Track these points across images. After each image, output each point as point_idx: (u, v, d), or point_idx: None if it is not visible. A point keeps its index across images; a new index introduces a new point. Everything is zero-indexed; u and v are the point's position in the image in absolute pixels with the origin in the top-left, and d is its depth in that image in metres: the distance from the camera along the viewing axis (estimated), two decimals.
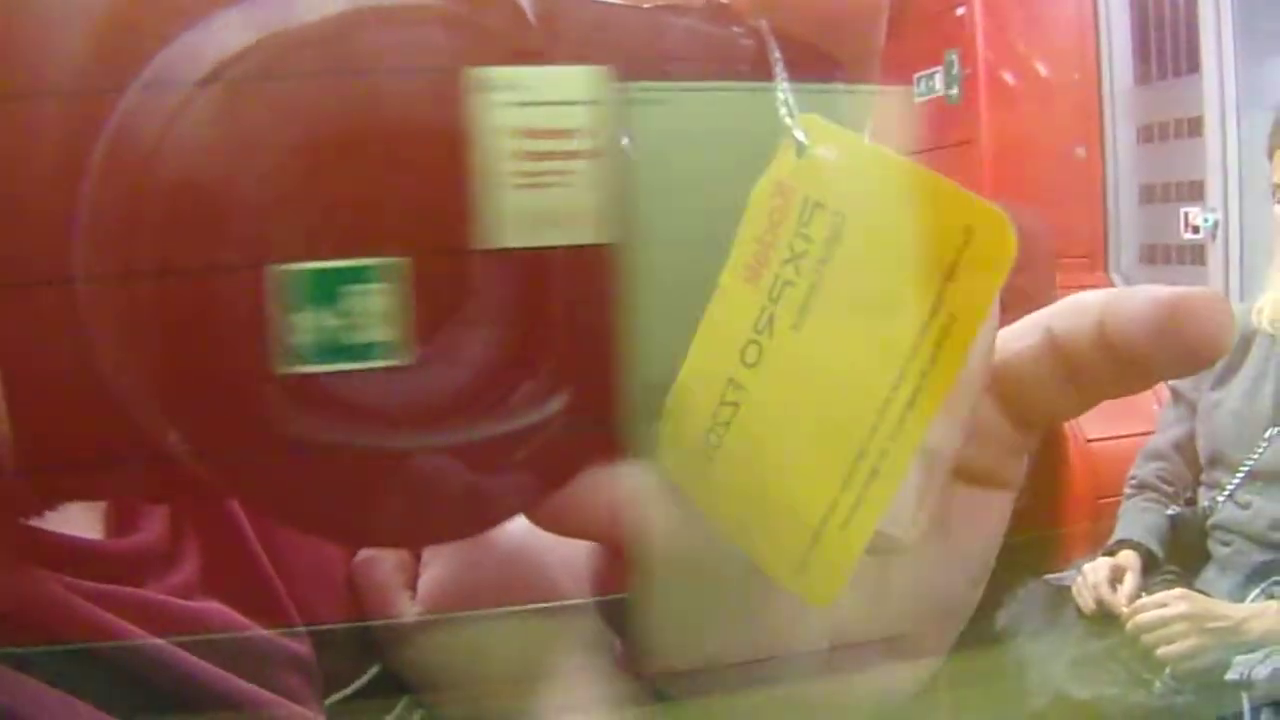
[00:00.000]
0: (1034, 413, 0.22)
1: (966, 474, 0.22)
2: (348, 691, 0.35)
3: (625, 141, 0.19)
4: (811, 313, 0.19)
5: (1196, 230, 2.10)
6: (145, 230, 0.18)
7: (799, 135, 0.19)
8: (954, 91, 2.21)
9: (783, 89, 0.20)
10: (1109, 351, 0.20)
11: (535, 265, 0.19)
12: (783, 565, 0.19)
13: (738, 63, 0.20)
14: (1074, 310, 0.20)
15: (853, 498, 0.19)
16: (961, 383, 0.19)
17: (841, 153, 0.19)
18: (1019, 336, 0.21)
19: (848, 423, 0.19)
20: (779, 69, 0.20)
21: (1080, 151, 2.23)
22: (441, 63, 0.19)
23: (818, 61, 0.20)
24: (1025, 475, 0.23)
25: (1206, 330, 0.19)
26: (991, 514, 0.23)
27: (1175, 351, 0.19)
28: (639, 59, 0.20)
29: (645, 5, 0.21)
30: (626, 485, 0.21)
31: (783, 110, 0.20)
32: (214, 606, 0.32)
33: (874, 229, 0.19)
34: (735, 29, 0.21)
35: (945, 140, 2.19)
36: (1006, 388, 0.21)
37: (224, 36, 0.18)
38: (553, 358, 0.20)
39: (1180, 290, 0.19)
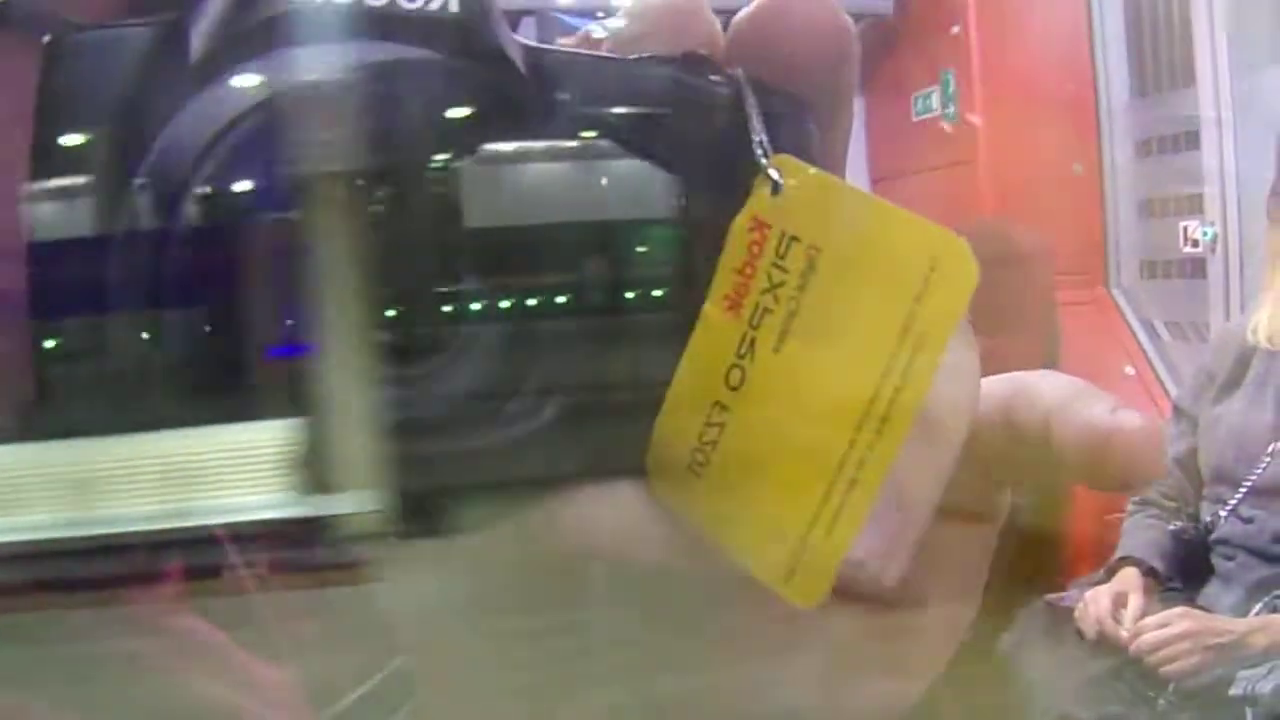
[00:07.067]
0: (999, 475, 0.22)
1: (947, 510, 0.22)
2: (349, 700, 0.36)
3: None
4: (790, 336, 0.21)
5: (1196, 244, 2.11)
6: None
7: (774, 174, 0.21)
8: (950, 110, 2.22)
9: (758, 132, 0.21)
10: (1050, 454, 0.21)
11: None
12: (772, 572, 0.21)
13: (716, 110, 0.22)
14: (1029, 399, 0.21)
15: (835, 507, 0.20)
16: (941, 437, 0.20)
17: (813, 189, 0.21)
18: (985, 398, 0.21)
19: (827, 437, 0.20)
20: (754, 114, 0.21)
21: (1078, 167, 2.23)
22: (440, 109, 0.21)
23: (792, 105, 0.22)
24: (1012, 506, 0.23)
25: (1137, 464, 0.20)
26: (974, 547, 0.23)
27: (1106, 478, 0.20)
28: (623, 108, 0.21)
29: (629, 56, 0.22)
30: (624, 503, 0.22)
31: (759, 151, 0.21)
32: None
33: (846, 259, 0.20)
34: (713, 77, 0.22)
35: (943, 160, 2.20)
36: (971, 449, 0.21)
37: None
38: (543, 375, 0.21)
39: (1119, 420, 0.20)
